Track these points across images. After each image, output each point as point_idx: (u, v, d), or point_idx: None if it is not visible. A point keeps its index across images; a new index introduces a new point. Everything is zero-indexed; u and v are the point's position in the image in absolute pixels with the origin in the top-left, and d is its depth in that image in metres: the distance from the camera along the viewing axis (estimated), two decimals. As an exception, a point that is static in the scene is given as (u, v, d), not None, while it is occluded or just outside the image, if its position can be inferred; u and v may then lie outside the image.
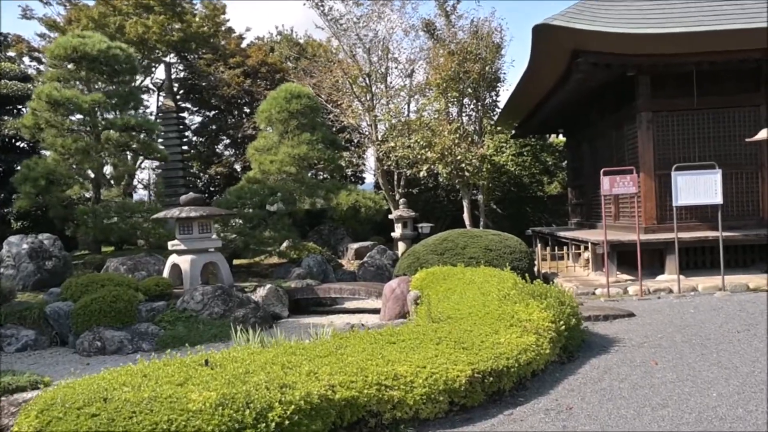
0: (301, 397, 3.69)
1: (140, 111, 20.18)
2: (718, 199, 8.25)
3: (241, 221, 13.80)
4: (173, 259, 11.47)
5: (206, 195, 21.27)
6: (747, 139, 8.92)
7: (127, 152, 15.49)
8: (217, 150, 20.53)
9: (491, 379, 4.40)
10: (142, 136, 14.50)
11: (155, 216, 12.11)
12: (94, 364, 7.84)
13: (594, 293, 9.03)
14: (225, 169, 18.79)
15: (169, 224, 13.08)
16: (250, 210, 13.61)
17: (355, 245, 16.78)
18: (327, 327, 9.57)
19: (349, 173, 20.73)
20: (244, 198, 13.89)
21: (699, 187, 8.24)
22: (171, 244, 11.50)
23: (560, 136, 17.66)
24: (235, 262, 15.02)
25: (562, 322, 5.54)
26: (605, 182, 8.61)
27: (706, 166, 8.57)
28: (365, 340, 4.99)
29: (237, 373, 4.00)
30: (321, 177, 17.46)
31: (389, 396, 4.00)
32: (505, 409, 4.34)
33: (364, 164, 18.62)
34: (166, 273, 11.54)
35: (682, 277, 8.94)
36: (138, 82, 21.60)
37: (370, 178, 19.65)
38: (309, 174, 14.92)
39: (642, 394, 4.45)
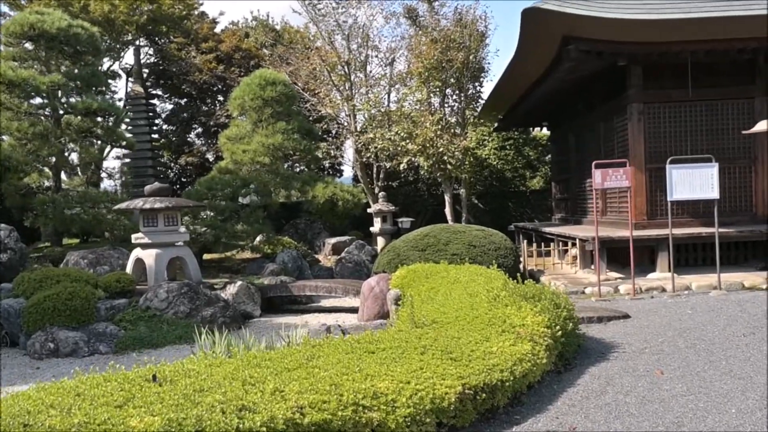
0: (263, 423, 3.09)
1: (108, 96, 19.24)
2: (715, 194, 7.86)
3: (211, 213, 13.08)
4: (137, 253, 10.75)
5: (177, 186, 20.40)
6: (744, 131, 8.56)
7: (91, 139, 14.61)
8: (189, 139, 19.65)
9: (484, 395, 3.86)
10: (106, 121, 13.66)
11: (117, 207, 11.35)
12: (44, 367, 7.14)
13: (584, 292, 8.58)
14: (196, 158, 17.95)
15: (135, 216, 12.30)
16: (221, 202, 12.89)
17: (333, 240, 16.16)
18: (301, 328, 9.00)
19: (327, 165, 20.07)
20: (214, 189, 13.15)
21: (695, 181, 7.83)
22: (135, 237, 10.79)
23: (544, 129, 17.25)
24: (206, 256, 14.28)
25: (558, 327, 5.04)
26: (597, 175, 8.15)
27: (701, 159, 8.18)
28: (340, 349, 4.41)
29: (189, 391, 3.39)
30: (297, 168, 16.79)
31: (368, 418, 3.43)
32: (499, 429, 3.81)
33: (343, 156, 17.98)
34: (129, 268, 10.81)
35: (676, 275, 8.55)
36: (105, 66, 20.60)
37: (348, 171, 19.05)
38: (284, 165, 14.22)
39: (652, 410, 3.96)
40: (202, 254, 13.88)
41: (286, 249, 14.10)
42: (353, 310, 10.04)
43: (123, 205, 11.01)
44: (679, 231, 9.04)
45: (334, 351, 4.37)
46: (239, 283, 10.51)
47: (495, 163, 18.74)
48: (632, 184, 8.54)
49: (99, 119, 13.62)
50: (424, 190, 18.96)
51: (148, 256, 10.48)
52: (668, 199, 7.97)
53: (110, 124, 13.96)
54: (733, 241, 9.33)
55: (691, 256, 9.62)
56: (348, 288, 10.24)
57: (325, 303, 11.46)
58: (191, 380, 3.63)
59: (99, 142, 15.48)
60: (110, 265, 11.65)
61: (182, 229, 11.19)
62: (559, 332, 5.01)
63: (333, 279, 12.18)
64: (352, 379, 3.67)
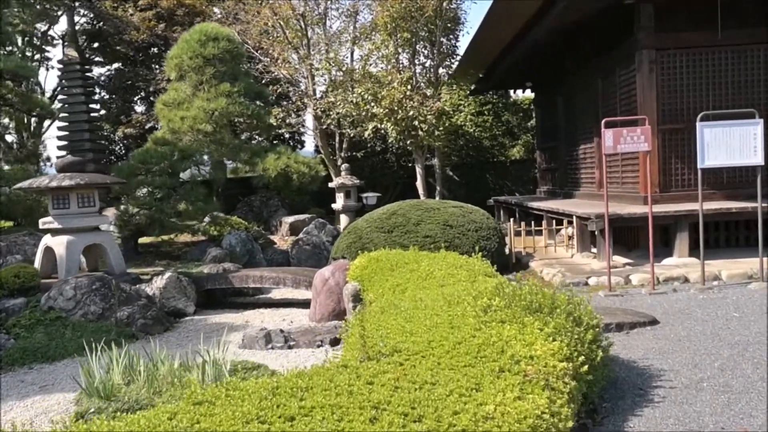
0: None
1: (35, 63, 16.80)
2: (759, 159, 6.19)
3: (146, 191, 11.08)
4: (46, 241, 8.84)
5: (118, 161, 18.16)
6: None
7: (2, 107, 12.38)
8: (133, 108, 17.30)
9: None
10: (18, 86, 11.45)
11: (19, 186, 9.31)
12: None
13: (587, 283, 6.91)
14: (135, 129, 15.70)
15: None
16: (157, 177, 10.85)
17: (290, 219, 14.25)
18: (236, 332, 7.23)
19: (287, 136, 18.00)
20: (149, 163, 11.10)
21: (733, 143, 6.14)
22: (42, 222, 8.89)
23: (527, 91, 15.44)
24: (142, 240, 12.28)
25: (582, 357, 3.31)
26: (608, 137, 6.40)
27: (740, 115, 6.47)
28: (240, 413, 2.59)
29: None
30: (248, 138, 14.70)
31: None
32: None
33: (303, 125, 15.90)
34: (37, 259, 8.94)
35: (696, 260, 6.93)
36: (41, 32, 18.10)
37: (311, 142, 17.02)
38: (232, 134, 12.17)
39: None
40: (136, 238, 11.90)
41: (235, 230, 12.18)
42: (307, 304, 8.25)
43: (25, 184, 9.09)
44: (703, 206, 7.36)
45: (229, 416, 2.55)
46: (168, 274, 8.59)
47: (472, 130, 16.91)
48: (653, 146, 6.83)
49: (9, 83, 11.45)
50: (393, 161, 17.07)
51: (59, 244, 8.66)
52: (699, 166, 6.27)
53: (21, 87, 11.74)
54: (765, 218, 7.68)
55: (712, 237, 8.02)
56: (299, 278, 8.41)
57: (276, 294, 9.66)
58: None
59: (12, 110, 13.20)
60: (24, 254, 9.75)
61: (110, 213, 9.26)
62: (584, 365, 3.28)
63: (283, 267, 10.33)
64: None
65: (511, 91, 17.63)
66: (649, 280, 6.51)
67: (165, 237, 11.40)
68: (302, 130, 16.91)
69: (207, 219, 12.36)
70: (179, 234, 11.84)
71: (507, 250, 9.00)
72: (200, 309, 8.71)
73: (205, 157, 11.66)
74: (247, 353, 6.26)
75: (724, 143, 6.13)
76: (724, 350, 4.30)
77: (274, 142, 17.86)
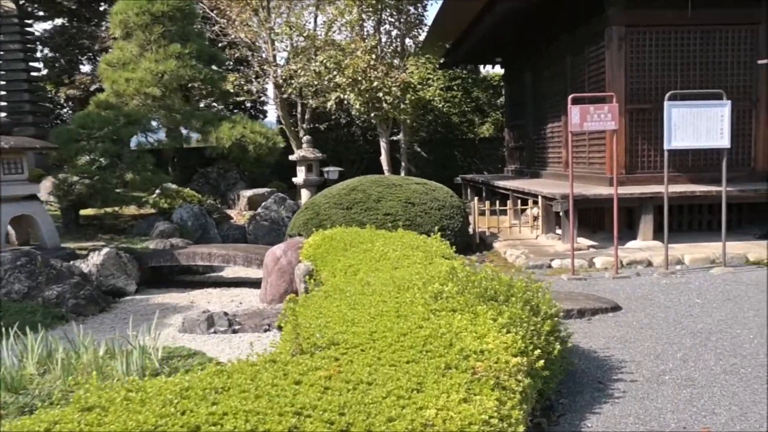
0: None
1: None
2: (725, 142, 5.98)
3: (88, 159, 10.32)
4: (-30, 212, 8.11)
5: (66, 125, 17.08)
6: (760, 61, 6.68)
7: None
8: (78, 67, 16.18)
9: None
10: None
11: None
12: None
13: (550, 266, 6.68)
14: (80, 91, 14.70)
15: None
16: (99, 144, 10.11)
17: (249, 192, 13.68)
18: (180, 313, 6.78)
19: (248, 105, 17.25)
20: (90, 128, 10.32)
21: (701, 125, 5.91)
22: (-38, 193, 8.12)
23: (497, 67, 15.08)
24: (84, 213, 11.55)
25: (538, 351, 3.00)
26: (575, 114, 6.10)
27: (709, 95, 6.24)
28: (137, 418, 2.19)
29: None
30: (207, 106, 13.96)
31: None
32: None
33: (265, 94, 15.18)
34: (-39, 233, 8.19)
35: (660, 244, 6.77)
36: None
37: (273, 112, 16.30)
38: (185, 100, 11.44)
39: None
40: (77, 210, 11.17)
41: (187, 203, 11.57)
42: (261, 284, 7.83)
43: (-60, 149, 8.27)
44: (669, 189, 7.19)
45: (120, 426, 2.15)
46: (106, 250, 8.00)
47: (440, 105, 16.48)
48: (619, 126, 6.56)
49: None
50: (359, 134, 16.55)
51: (-22, 215, 7.93)
52: (665, 147, 6.03)
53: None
54: (732, 202, 7.59)
55: (676, 220, 7.88)
56: (251, 256, 7.96)
57: (229, 273, 9.17)
58: None
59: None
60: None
61: (50, 182, 8.55)
62: (540, 360, 2.98)
63: (234, 244, 9.84)
64: None
65: (481, 67, 17.24)
66: (613, 263, 6.31)
67: (109, 209, 10.71)
68: (264, 99, 16.19)
69: (159, 191, 11.72)
70: (125, 206, 11.17)
71: (471, 230, 8.72)
72: (144, 288, 8.19)
73: (154, 123, 10.93)
74: (187, 338, 5.83)
75: (692, 125, 5.90)
76: (687, 339, 4.09)
77: (235, 111, 17.11)
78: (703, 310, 4.74)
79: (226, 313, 6.17)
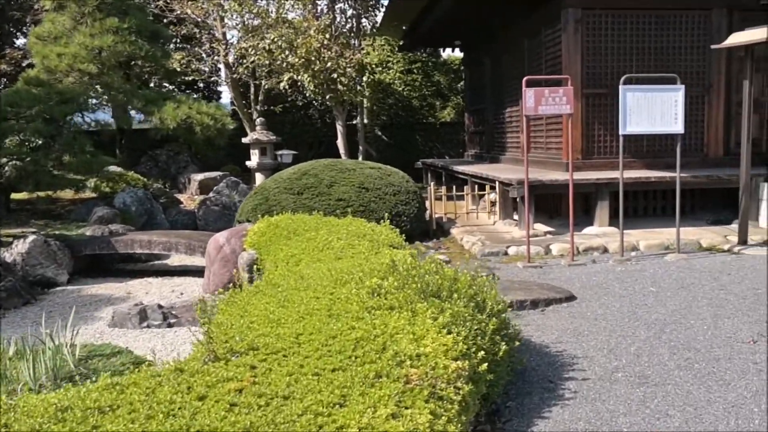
0: None
1: None
2: (679, 128, 5.85)
3: (17, 140, 9.57)
4: None
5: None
6: (713, 46, 6.56)
7: None
8: (11, 40, 15.01)
9: None
10: None
11: None
12: None
13: (506, 253, 6.47)
14: (11, 67, 13.69)
15: None
16: (28, 124, 9.38)
17: (200, 176, 13.10)
18: (114, 306, 6.34)
19: (201, 85, 16.51)
20: (19, 106, 9.57)
21: (655, 109, 5.75)
22: None
23: (457, 51, 14.77)
24: (17, 197, 10.81)
25: (481, 353, 2.74)
26: (530, 97, 5.85)
27: (663, 80, 6.09)
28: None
29: None
30: (155, 85, 13.22)
31: None
32: None
33: (218, 74, 14.49)
34: None
35: (616, 230, 6.64)
36: None
37: (228, 93, 15.62)
38: (126, 79, 10.74)
39: None
40: (8, 194, 10.42)
41: (131, 187, 10.95)
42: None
43: None
44: (624, 175, 7.06)
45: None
46: (32, 237, 7.42)
47: (401, 89, 16.11)
48: (575, 111, 6.37)
49: None
50: (316, 117, 16.04)
51: None
52: (621, 132, 5.85)
53: None
54: (685, 188, 7.53)
55: (631, 206, 7.80)
56: (194, 244, 7.51)
57: (175, 260, 8.70)
58: None
59: None
60: None
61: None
62: (483, 363, 2.71)
63: (177, 231, 9.34)
64: None
65: (441, 50, 16.92)
66: (569, 250, 6.14)
67: (42, 193, 10.02)
68: (217, 79, 15.50)
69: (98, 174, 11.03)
70: (61, 190, 10.48)
71: (428, 216, 8.47)
72: (79, 277, 7.68)
73: (94, 102, 10.24)
74: (117, 333, 5.41)
75: (646, 109, 5.73)
76: (641, 331, 3.91)
77: (187, 91, 16.34)
78: (657, 300, 4.59)
79: (160, 306, 5.76)
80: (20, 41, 14.81)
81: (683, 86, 5.89)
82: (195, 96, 13.51)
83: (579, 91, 7.66)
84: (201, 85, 16.30)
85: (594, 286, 5.06)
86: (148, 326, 5.45)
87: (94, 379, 3.81)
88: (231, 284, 6.57)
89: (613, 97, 7.60)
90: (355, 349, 2.59)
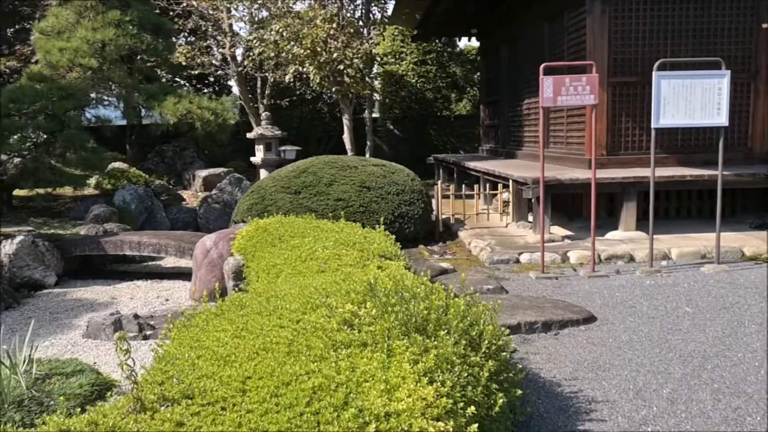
0: None
1: None
2: (722, 119, 5.12)
3: (16, 137, 9.26)
4: None
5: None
6: (765, 25, 5.80)
7: None
8: (20, 36, 14.82)
9: None
10: None
11: None
12: None
13: (518, 261, 5.82)
14: (19, 63, 13.46)
15: None
16: (29, 120, 9.03)
17: (204, 172, 12.69)
18: (95, 312, 5.92)
19: (212, 80, 16.08)
20: (21, 102, 9.22)
21: (695, 99, 5.04)
22: None
23: (473, 40, 14.05)
24: (20, 194, 10.51)
25: (472, 408, 2.14)
26: (548, 87, 5.20)
27: (703, 64, 5.36)
28: None
29: None
30: (160, 79, 12.79)
31: None
32: None
33: (228, 69, 14.00)
34: None
35: (644, 234, 5.94)
36: None
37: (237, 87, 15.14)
38: (129, 73, 10.32)
39: None
40: (9, 191, 10.13)
41: (132, 184, 10.56)
42: (197, 277, 6.89)
43: None
44: (656, 173, 6.34)
45: None
46: (20, 238, 7.03)
47: (414, 81, 15.44)
48: (600, 101, 5.68)
49: None
50: (325, 111, 15.47)
51: None
52: (653, 125, 5.16)
53: None
54: (727, 188, 6.75)
55: (662, 207, 7.07)
56: (184, 246, 7.02)
57: (169, 262, 8.26)
58: None
59: None
60: None
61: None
62: (475, 426, 2.11)
63: (169, 232, 8.89)
64: None
65: (458, 40, 16.18)
66: (589, 258, 5.48)
67: (41, 190, 9.70)
68: (227, 73, 15.04)
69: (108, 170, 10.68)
70: (60, 187, 10.15)
71: (435, 216, 7.85)
72: (68, 279, 7.30)
73: (95, 97, 9.87)
74: (90, 345, 4.96)
75: (684, 99, 5.03)
76: (676, 367, 3.26)
77: (198, 85, 15.93)
78: (694, 323, 3.92)
79: (137, 316, 5.26)
80: (31, 38, 14.59)
81: (728, 72, 5.15)
82: (206, 91, 13.08)
83: (605, 79, 6.94)
84: (212, 79, 15.88)
85: (617, 304, 4.40)
86: (122, 339, 4.96)
87: (46, 403, 3.36)
88: (220, 291, 6.09)
89: (644, 85, 6.89)
90: (309, 402, 2.02)
